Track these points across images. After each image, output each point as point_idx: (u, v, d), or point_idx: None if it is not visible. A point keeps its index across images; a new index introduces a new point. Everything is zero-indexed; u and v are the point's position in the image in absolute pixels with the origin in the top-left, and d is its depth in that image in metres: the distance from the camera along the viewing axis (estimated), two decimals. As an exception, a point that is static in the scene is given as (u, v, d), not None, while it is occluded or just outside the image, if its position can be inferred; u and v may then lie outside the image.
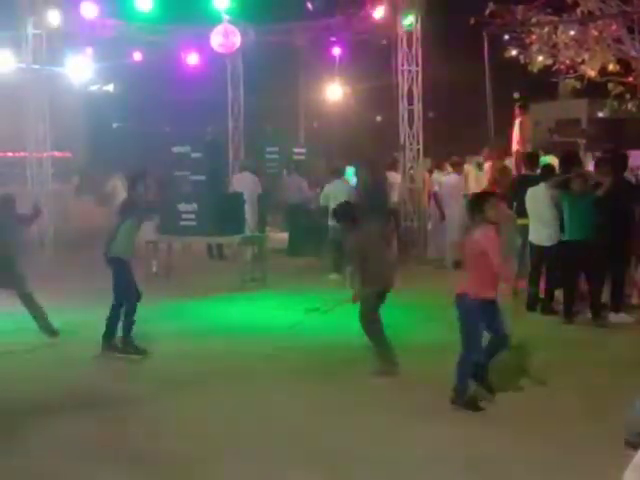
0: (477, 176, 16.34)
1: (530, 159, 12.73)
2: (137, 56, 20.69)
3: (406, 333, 9.57)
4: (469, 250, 7.09)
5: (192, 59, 20.61)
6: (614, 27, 18.40)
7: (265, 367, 8.49)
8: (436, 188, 16.77)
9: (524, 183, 11.66)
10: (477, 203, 7.22)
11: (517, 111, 16.06)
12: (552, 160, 14.87)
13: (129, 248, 8.85)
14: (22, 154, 19.00)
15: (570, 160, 11.38)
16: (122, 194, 18.04)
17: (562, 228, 10.64)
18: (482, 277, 6.97)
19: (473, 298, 6.93)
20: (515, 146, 15.79)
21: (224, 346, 9.29)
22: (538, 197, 10.92)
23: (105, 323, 8.85)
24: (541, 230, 10.89)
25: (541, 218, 10.88)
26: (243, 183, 15.95)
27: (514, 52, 19.32)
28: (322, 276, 13.71)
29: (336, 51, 22.20)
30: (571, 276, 10.49)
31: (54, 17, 16.81)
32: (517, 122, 15.90)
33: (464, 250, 7.23)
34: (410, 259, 16.20)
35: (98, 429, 6.66)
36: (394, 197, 16.64)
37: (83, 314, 10.53)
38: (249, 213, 14.88)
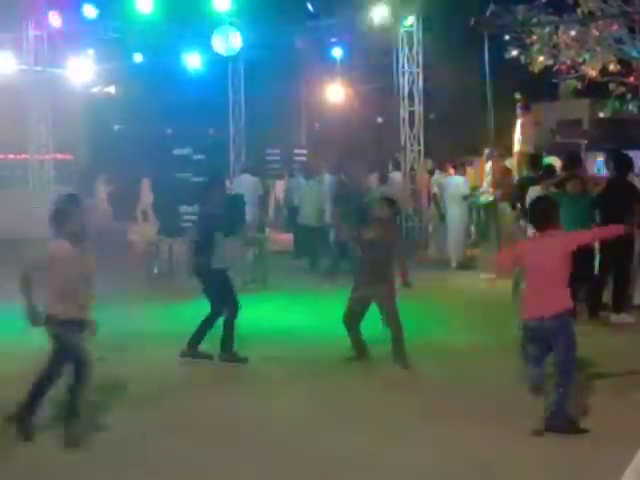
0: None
1: (533, 160, 12.72)
2: (138, 58, 20.73)
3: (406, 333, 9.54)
4: (553, 259, 6.40)
5: (193, 61, 20.64)
6: (615, 27, 18.42)
7: (265, 369, 8.47)
8: (435, 189, 16.81)
9: (527, 184, 11.64)
10: (543, 209, 6.64)
11: (518, 111, 16.06)
12: (554, 161, 14.91)
13: (225, 258, 8.77)
14: (24, 156, 19.04)
15: (572, 161, 11.37)
16: (103, 195, 18.12)
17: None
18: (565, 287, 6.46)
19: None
20: (517, 147, 15.79)
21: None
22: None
23: (197, 329, 8.66)
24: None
25: None
26: (244, 185, 15.96)
27: (515, 52, 19.32)
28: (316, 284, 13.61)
29: (337, 52, 22.23)
30: (570, 277, 10.45)
31: (55, 19, 16.85)
32: (519, 122, 15.89)
33: (533, 261, 6.53)
34: (412, 259, 16.19)
35: (107, 429, 6.66)
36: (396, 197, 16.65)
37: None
38: (249, 214, 14.87)
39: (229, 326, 8.62)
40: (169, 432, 6.61)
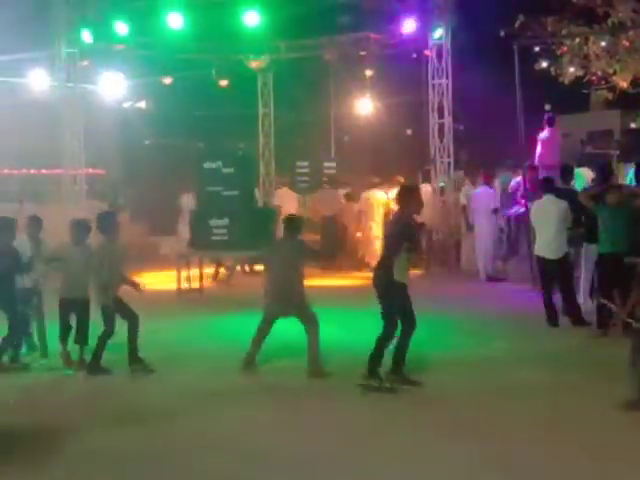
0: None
1: (564, 172, 12.63)
2: (169, 72, 20.93)
3: (432, 346, 9.54)
4: None
5: (223, 74, 20.79)
6: (645, 37, 18.28)
7: (296, 383, 8.46)
8: (463, 201, 16.80)
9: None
10: None
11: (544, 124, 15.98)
12: (585, 172, 14.82)
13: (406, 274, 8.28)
14: (57, 171, 19.26)
15: (607, 172, 11.29)
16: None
17: (591, 239, 10.58)
18: None
19: None
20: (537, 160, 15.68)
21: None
22: (549, 210, 10.88)
23: (393, 357, 8.05)
24: (551, 243, 10.83)
25: (548, 231, 10.83)
26: (285, 198, 16.24)
27: (545, 64, 19.25)
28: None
29: (366, 65, 22.26)
30: (606, 289, 10.37)
31: (87, 36, 17.06)
32: (541, 136, 15.78)
33: None
34: (443, 271, 16.25)
35: (133, 444, 6.69)
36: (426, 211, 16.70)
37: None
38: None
39: (400, 345, 8.04)
40: (201, 445, 6.63)
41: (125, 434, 6.89)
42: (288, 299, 8.66)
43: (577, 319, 10.75)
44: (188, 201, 16.81)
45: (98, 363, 8.84)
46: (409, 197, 8.24)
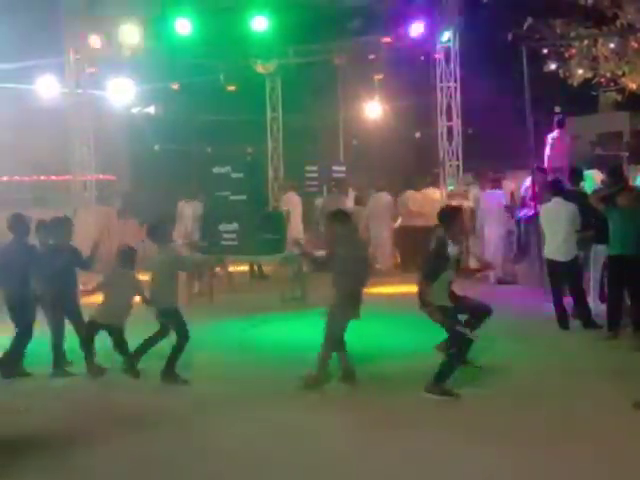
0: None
1: (573, 174, 12.59)
2: (177, 78, 20.98)
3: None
4: None
5: (231, 79, 20.82)
6: (655, 39, 18.23)
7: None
8: (470, 204, 16.80)
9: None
10: None
11: (554, 126, 15.95)
12: (595, 174, 14.76)
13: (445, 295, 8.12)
14: (66, 177, 19.33)
15: (618, 174, 11.26)
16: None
17: (600, 240, 10.55)
18: None
19: None
20: (546, 163, 15.65)
21: (263, 367, 9.26)
22: (558, 212, 10.85)
23: (441, 368, 7.88)
24: (561, 246, 10.80)
25: (557, 233, 10.80)
26: (292, 202, 16.28)
27: (553, 66, 19.21)
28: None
29: (374, 69, 22.27)
30: (616, 291, 10.35)
31: (95, 42, 17.12)
32: (550, 138, 15.74)
33: None
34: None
35: (142, 448, 6.71)
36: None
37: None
38: (295, 231, 15.17)
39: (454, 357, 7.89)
40: (204, 451, 6.64)
41: (140, 438, 6.93)
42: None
43: (588, 321, 10.72)
44: (191, 209, 16.78)
45: (173, 370, 8.67)
46: (452, 219, 8.19)
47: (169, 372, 8.62)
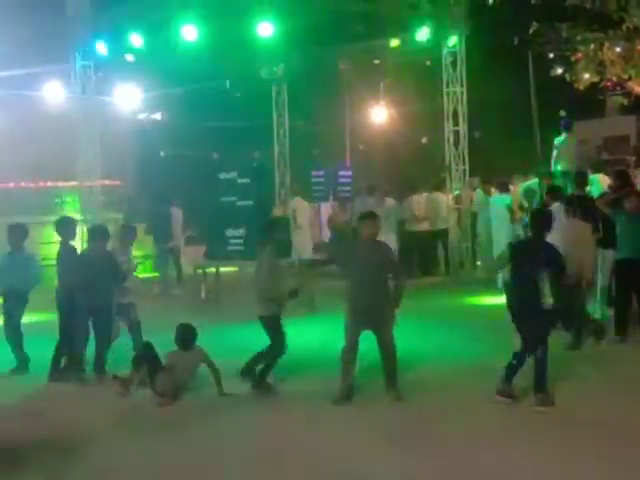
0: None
1: (579, 178, 12.56)
2: (183, 84, 21.02)
3: (450, 353, 9.50)
4: None
5: (237, 85, 20.86)
6: (661, 43, 18.22)
7: (321, 390, 8.43)
8: (475, 208, 16.81)
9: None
10: None
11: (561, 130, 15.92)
12: (601, 178, 14.72)
13: None
14: (73, 183, 19.36)
15: (625, 178, 11.23)
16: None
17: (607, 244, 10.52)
18: None
19: None
20: (552, 167, 15.60)
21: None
22: (558, 218, 10.81)
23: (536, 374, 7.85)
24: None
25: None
26: (298, 208, 16.33)
27: (560, 70, 19.20)
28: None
29: (381, 74, 22.29)
30: (624, 294, 10.32)
31: (102, 48, 17.15)
32: (557, 141, 15.69)
33: None
34: (460, 278, 16.27)
35: (160, 450, 6.73)
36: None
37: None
38: (302, 236, 15.18)
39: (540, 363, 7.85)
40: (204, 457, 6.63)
41: (152, 440, 7.00)
42: None
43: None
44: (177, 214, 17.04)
45: (265, 380, 8.63)
46: (541, 221, 8.23)
47: (261, 382, 8.57)
